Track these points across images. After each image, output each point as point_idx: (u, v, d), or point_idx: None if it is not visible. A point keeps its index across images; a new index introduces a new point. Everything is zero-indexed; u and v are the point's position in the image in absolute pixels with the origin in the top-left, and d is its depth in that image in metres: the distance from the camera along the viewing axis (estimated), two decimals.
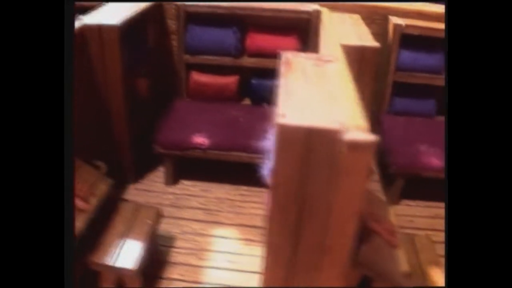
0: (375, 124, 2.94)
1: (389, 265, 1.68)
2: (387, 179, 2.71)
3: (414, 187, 2.72)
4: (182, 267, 2.15)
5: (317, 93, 1.54)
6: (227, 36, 2.70)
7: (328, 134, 1.28)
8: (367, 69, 2.22)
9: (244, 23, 2.79)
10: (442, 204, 2.71)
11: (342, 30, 2.37)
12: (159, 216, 2.14)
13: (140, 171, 2.75)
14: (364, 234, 1.77)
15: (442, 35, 2.65)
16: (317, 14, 2.59)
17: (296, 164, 1.35)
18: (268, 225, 1.47)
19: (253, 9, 2.63)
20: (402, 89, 2.86)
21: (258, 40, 2.72)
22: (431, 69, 2.76)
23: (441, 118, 2.98)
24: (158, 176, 2.74)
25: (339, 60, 1.86)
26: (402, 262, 1.72)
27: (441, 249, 2.35)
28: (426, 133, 2.70)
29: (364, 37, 2.28)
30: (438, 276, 1.89)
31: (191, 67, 2.87)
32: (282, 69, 1.73)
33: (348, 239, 1.45)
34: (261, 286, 1.56)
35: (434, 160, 2.51)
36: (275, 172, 1.36)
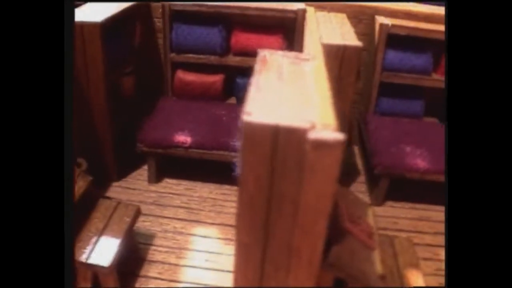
0: (362, 124, 2.92)
1: (363, 267, 1.66)
2: (373, 180, 2.69)
3: (400, 188, 2.69)
4: (160, 265, 2.13)
5: (289, 91, 1.53)
6: (213, 35, 2.69)
7: (295, 133, 1.27)
8: (349, 68, 2.21)
9: (230, 21, 2.78)
10: (428, 206, 2.69)
11: (326, 29, 2.35)
12: (137, 213, 2.13)
13: (125, 169, 2.74)
14: (339, 235, 1.75)
15: (430, 35, 2.63)
16: (302, 13, 2.58)
17: (263, 162, 1.34)
18: (237, 223, 1.46)
19: (238, 7, 2.62)
20: (389, 90, 2.84)
21: (243, 39, 2.71)
22: (418, 69, 2.73)
23: (429, 119, 2.95)
24: (142, 175, 2.73)
25: (316, 59, 1.85)
26: (377, 264, 1.70)
27: (423, 252, 2.35)
28: (413, 134, 2.67)
29: (347, 36, 2.26)
30: (416, 278, 1.86)
31: (177, 65, 2.86)
32: (257, 66, 1.72)
33: (317, 239, 1.43)
34: (233, 285, 1.54)
35: (420, 161, 2.49)
36: (242, 170, 1.35)
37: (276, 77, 1.68)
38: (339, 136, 1.22)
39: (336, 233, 1.74)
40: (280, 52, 1.88)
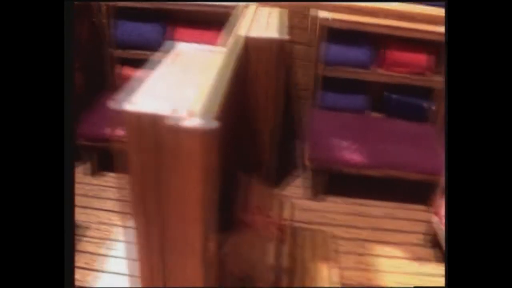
0: (306, 119, 2.92)
1: (255, 257, 1.65)
2: (314, 176, 2.68)
3: (343, 184, 2.68)
4: (89, 256, 2.18)
5: (183, 82, 1.56)
6: (154, 31, 2.73)
7: (159, 120, 1.29)
8: (274, 61, 2.21)
9: (173, 19, 2.82)
10: (369, 202, 2.68)
11: (257, 24, 2.37)
12: None
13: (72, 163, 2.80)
14: (240, 226, 1.76)
15: (368, 29, 2.63)
16: (241, 9, 2.59)
17: (138, 150, 1.37)
18: (132, 211, 1.50)
19: (179, 4, 2.66)
20: (332, 84, 2.82)
21: (184, 35, 2.74)
22: (359, 63, 2.72)
23: (373, 114, 2.93)
24: (86, 168, 2.79)
25: (230, 52, 1.88)
26: (271, 255, 1.69)
27: (357, 247, 2.33)
28: (353, 129, 2.67)
29: (276, 30, 2.26)
30: (320, 272, 1.84)
31: (121, 61, 2.91)
32: (167, 58, 1.76)
33: (198, 227, 1.44)
34: (139, 273, 1.58)
35: (355, 156, 2.48)
36: (128, 158, 1.39)
37: (180, 69, 1.71)
38: (201, 123, 1.24)
39: (237, 224, 1.75)
40: (195, 45, 1.92)
